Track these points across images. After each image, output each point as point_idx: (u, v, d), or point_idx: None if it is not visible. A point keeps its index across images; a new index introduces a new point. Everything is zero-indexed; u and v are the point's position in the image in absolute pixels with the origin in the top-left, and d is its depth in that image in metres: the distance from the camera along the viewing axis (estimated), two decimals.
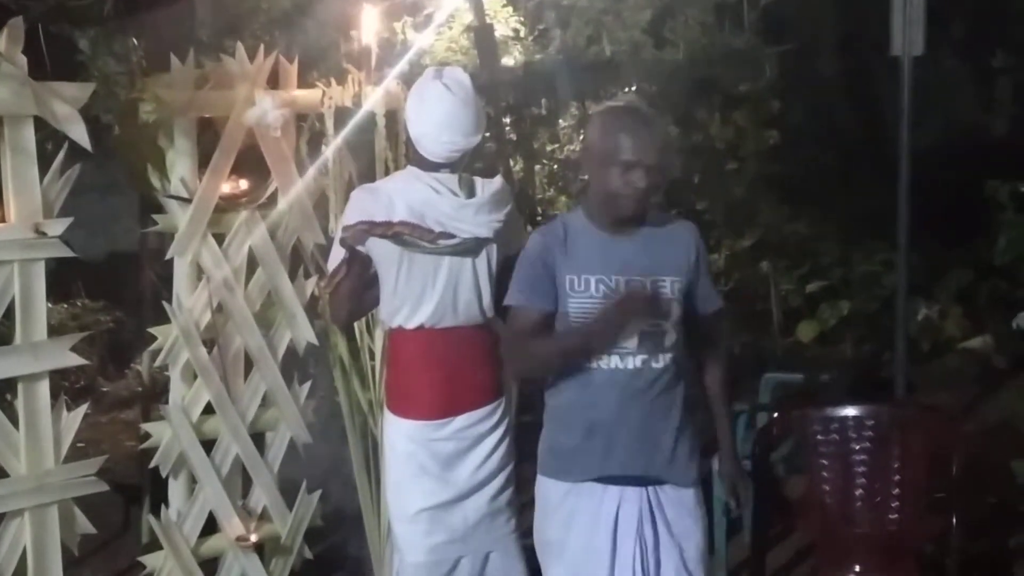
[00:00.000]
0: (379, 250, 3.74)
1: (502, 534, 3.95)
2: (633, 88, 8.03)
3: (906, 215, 5.95)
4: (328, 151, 4.54)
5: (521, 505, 3.99)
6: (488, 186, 3.77)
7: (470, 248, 3.74)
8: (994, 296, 8.14)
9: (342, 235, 3.78)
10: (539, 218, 7.89)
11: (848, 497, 4.41)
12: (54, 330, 4.58)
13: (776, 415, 4.87)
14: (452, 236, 3.68)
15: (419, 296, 3.75)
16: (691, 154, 8.10)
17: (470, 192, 3.73)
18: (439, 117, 3.69)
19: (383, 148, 4.50)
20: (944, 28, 7.94)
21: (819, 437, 4.46)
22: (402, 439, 3.88)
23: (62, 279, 5.85)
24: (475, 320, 3.83)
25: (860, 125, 8.48)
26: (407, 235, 3.65)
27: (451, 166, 3.75)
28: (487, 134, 7.51)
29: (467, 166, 3.82)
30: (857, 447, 4.42)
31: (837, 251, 8.56)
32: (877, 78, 7.85)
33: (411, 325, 3.79)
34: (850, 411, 4.46)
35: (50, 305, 4.18)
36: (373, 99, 4.51)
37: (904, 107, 5.86)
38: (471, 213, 3.70)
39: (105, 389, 7.21)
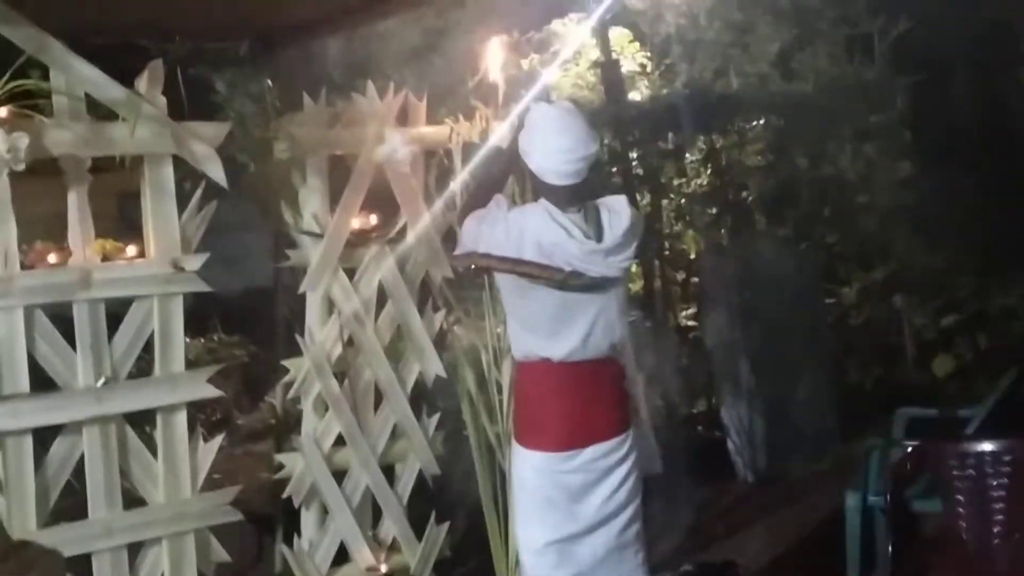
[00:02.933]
0: (505, 280, 3.77)
1: (630, 568, 3.92)
2: (761, 121, 7.99)
3: None
4: (455, 185, 4.59)
5: (648, 540, 3.97)
6: (617, 224, 3.73)
7: (598, 286, 3.73)
8: None
9: (463, 260, 3.82)
10: (667, 252, 7.88)
11: (986, 535, 4.27)
12: (191, 363, 4.70)
13: (910, 449, 4.76)
14: (581, 275, 3.68)
15: (547, 330, 3.76)
16: (821, 187, 8.01)
17: (599, 233, 3.70)
18: (552, 132, 3.70)
19: (512, 183, 4.53)
20: None
21: (955, 472, 4.34)
22: (530, 471, 3.88)
23: (199, 314, 5.99)
24: (604, 354, 3.82)
25: (995, 154, 8.27)
26: (535, 274, 3.67)
27: (578, 197, 3.73)
28: (615, 168, 7.61)
29: (593, 192, 3.81)
30: (995, 483, 4.29)
31: (973, 284, 8.35)
32: (1012, 105, 7.67)
33: (539, 358, 3.80)
34: (987, 446, 4.32)
35: (188, 339, 4.28)
36: (499, 132, 4.55)
37: None
38: (601, 257, 3.69)
39: (240, 421, 7.35)
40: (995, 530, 4.27)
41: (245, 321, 7.28)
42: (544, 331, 3.77)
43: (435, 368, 4.81)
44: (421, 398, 4.86)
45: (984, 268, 8.33)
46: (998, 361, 7.70)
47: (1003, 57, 6.36)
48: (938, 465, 4.41)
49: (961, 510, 4.30)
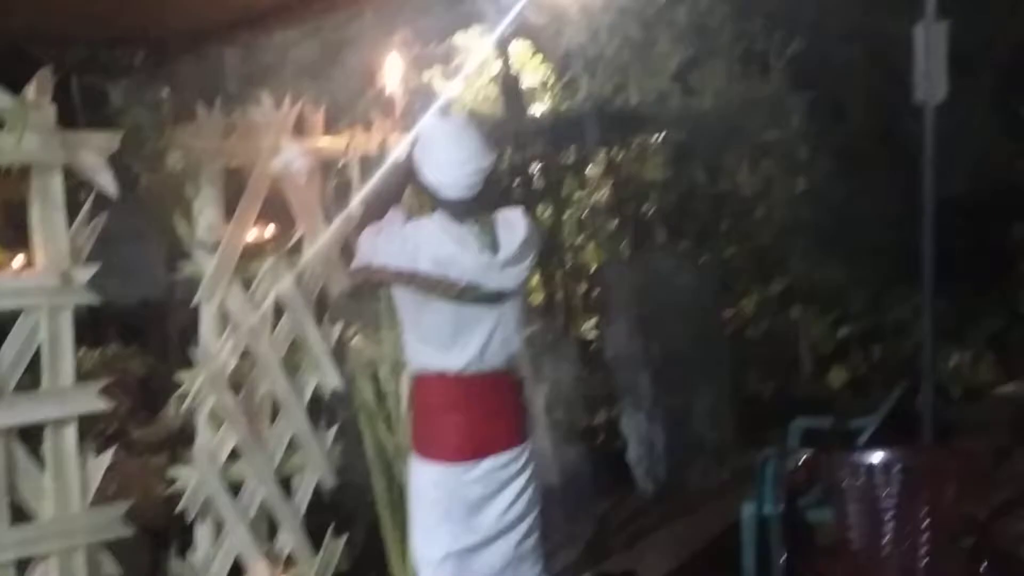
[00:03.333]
0: (401, 294, 3.76)
1: None
2: (661, 136, 8.08)
3: (931, 260, 5.94)
4: (353, 197, 4.57)
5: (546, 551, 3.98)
6: (513, 237, 3.75)
7: (494, 298, 3.74)
8: None
9: (360, 273, 3.81)
10: (568, 264, 7.92)
11: (877, 543, 4.36)
12: (86, 376, 4.61)
13: (804, 459, 4.84)
14: (477, 287, 3.69)
15: (444, 343, 3.76)
16: (719, 201, 8.12)
17: (494, 246, 3.72)
18: (447, 145, 3.71)
19: (408, 195, 4.52)
20: (973, 76, 7.92)
21: (847, 482, 4.42)
22: (428, 483, 3.87)
23: (96, 325, 5.89)
24: (501, 366, 3.83)
25: (889, 171, 8.46)
26: (430, 287, 3.67)
27: (474, 210, 3.74)
28: (516, 181, 7.64)
29: (490, 205, 3.82)
30: (885, 492, 4.37)
31: (868, 297, 8.52)
32: (905, 123, 7.84)
33: (436, 371, 3.80)
34: (878, 456, 4.41)
35: (83, 350, 4.20)
36: (397, 145, 4.54)
37: (928, 153, 5.87)
38: (496, 270, 3.70)
39: (135, 434, 7.23)
40: (885, 539, 4.36)
41: (142, 332, 7.18)
42: (441, 344, 3.76)
43: (332, 380, 4.77)
44: (318, 410, 4.82)
45: (878, 282, 8.52)
46: (891, 373, 7.89)
47: (896, 75, 6.50)
48: (831, 475, 4.50)
49: (853, 519, 4.38)
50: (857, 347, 8.28)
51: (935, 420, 6.05)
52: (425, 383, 3.87)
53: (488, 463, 3.82)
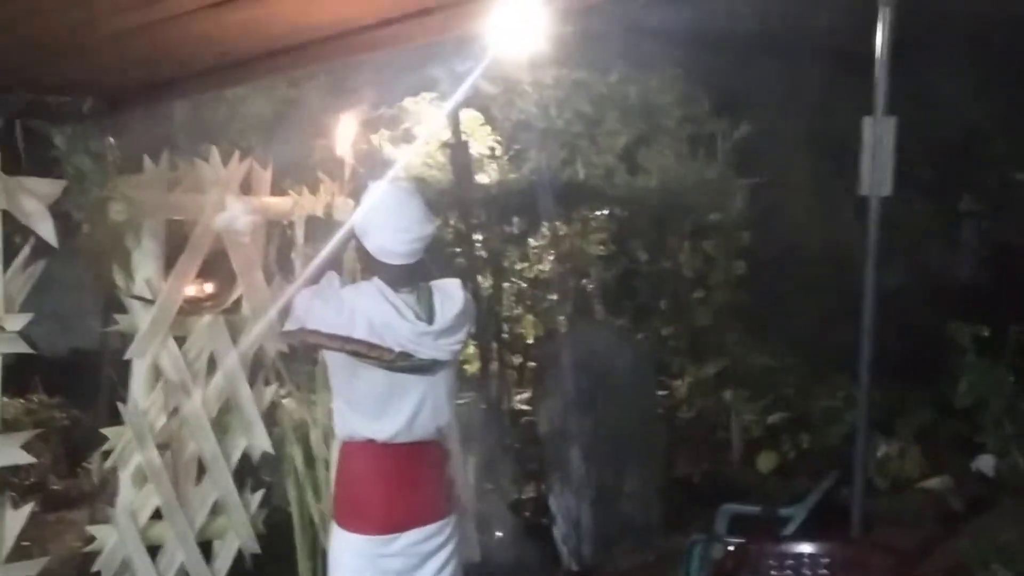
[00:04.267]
0: (334, 358, 3.72)
1: None
2: (605, 212, 8.13)
3: (868, 352, 5.99)
4: (295, 257, 4.55)
5: None
6: (449, 307, 3.73)
7: (427, 368, 3.72)
8: (954, 437, 8.16)
9: (293, 335, 3.77)
10: (505, 335, 7.91)
11: None
12: (8, 424, 4.53)
13: (731, 548, 4.83)
14: (410, 356, 3.67)
15: (374, 410, 3.72)
16: (659, 280, 8.17)
17: (430, 315, 3.70)
18: (388, 211, 3.69)
19: (352, 260, 4.51)
20: (913, 170, 8.07)
21: (774, 573, 4.41)
22: (349, 554, 3.81)
23: (20, 373, 5.78)
24: (429, 436, 3.80)
25: (827, 260, 8.57)
26: (364, 353, 3.64)
27: (412, 278, 3.73)
28: (458, 249, 7.64)
29: (428, 273, 3.81)
30: None
31: (800, 384, 8.58)
32: (845, 215, 7.96)
33: (364, 439, 3.76)
34: (805, 547, 4.41)
35: (6, 399, 4.12)
36: (345, 211, 4.53)
37: (871, 246, 5.93)
38: (431, 340, 3.69)
39: (56, 487, 7.11)
40: None
41: (68, 383, 7.07)
42: (371, 411, 3.73)
43: (262, 443, 4.72)
44: (246, 473, 4.75)
45: (811, 370, 8.59)
46: (819, 461, 7.93)
47: (841, 166, 6.60)
48: (758, 564, 4.48)
49: None
50: (787, 433, 8.32)
51: (863, 512, 6.07)
52: (351, 450, 3.82)
53: (410, 536, 3.78)
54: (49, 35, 3.74)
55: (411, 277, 3.73)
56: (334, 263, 4.08)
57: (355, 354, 3.65)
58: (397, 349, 3.64)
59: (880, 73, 5.84)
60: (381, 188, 3.80)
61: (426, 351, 3.68)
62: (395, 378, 3.68)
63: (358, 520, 3.79)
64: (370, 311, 3.66)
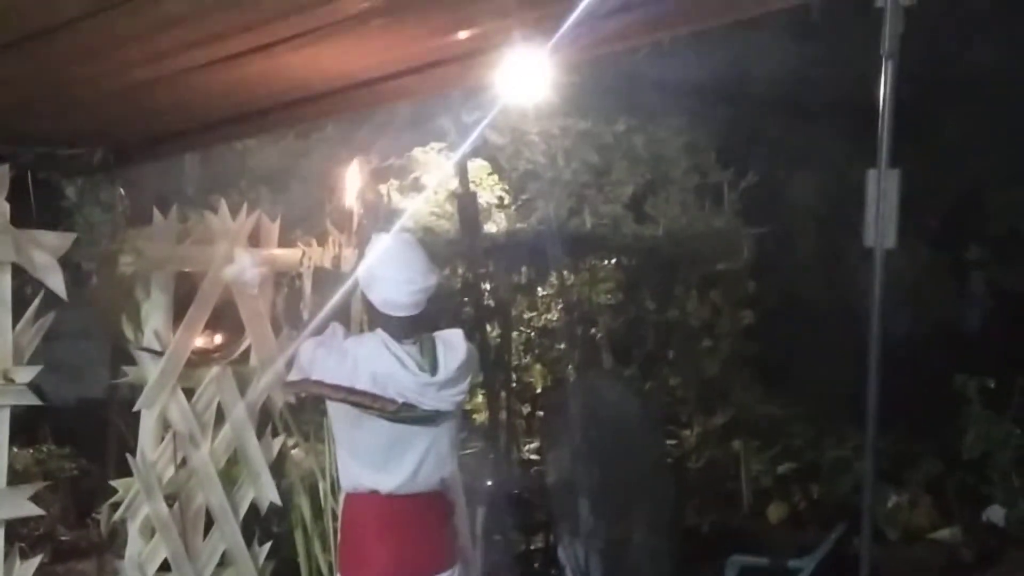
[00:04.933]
0: (337, 409, 3.73)
1: None
2: (612, 261, 8.14)
3: (874, 402, 5.95)
4: (303, 309, 4.56)
5: None
6: (453, 358, 3.74)
7: (430, 419, 3.72)
8: (963, 488, 8.11)
9: (297, 385, 3.78)
10: (513, 384, 7.90)
11: None
12: (18, 474, 4.54)
13: None
14: (414, 407, 3.67)
15: (378, 461, 3.73)
16: (666, 330, 8.16)
17: (433, 367, 3.71)
18: (392, 263, 3.71)
19: (359, 311, 4.52)
20: (920, 219, 8.08)
21: None
22: None
23: (30, 423, 5.80)
24: (433, 487, 3.80)
25: (835, 309, 8.56)
26: (367, 404, 3.64)
27: (415, 329, 3.73)
28: (466, 298, 7.65)
29: (431, 325, 3.81)
30: None
31: (809, 434, 8.55)
32: (851, 264, 7.96)
33: (368, 490, 3.76)
34: None
35: (15, 449, 4.13)
36: (353, 262, 4.55)
37: (875, 297, 5.90)
38: (434, 391, 3.69)
39: (65, 538, 7.09)
40: None
41: (77, 434, 7.06)
42: (374, 462, 3.73)
43: (270, 495, 4.71)
44: (254, 524, 4.74)
45: (820, 420, 8.55)
46: (829, 511, 7.89)
47: (846, 217, 6.60)
48: None
49: None
50: (796, 484, 8.28)
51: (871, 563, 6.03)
52: (355, 502, 3.83)
53: None
54: (58, 90, 3.78)
55: (414, 328, 3.74)
56: (340, 314, 4.09)
57: (358, 405, 3.66)
58: (400, 400, 3.65)
59: (884, 126, 5.85)
60: (384, 240, 3.82)
61: (429, 402, 3.69)
62: (398, 429, 3.69)
63: (363, 571, 3.79)
64: (373, 362, 3.67)
